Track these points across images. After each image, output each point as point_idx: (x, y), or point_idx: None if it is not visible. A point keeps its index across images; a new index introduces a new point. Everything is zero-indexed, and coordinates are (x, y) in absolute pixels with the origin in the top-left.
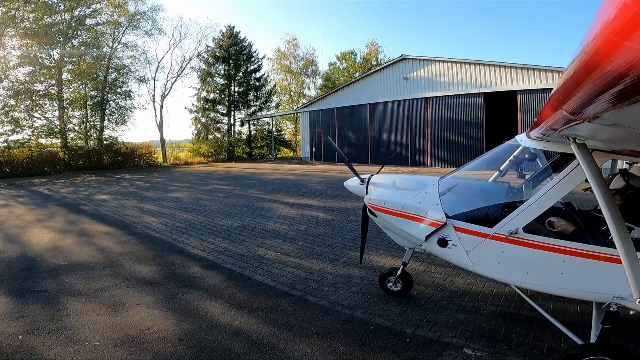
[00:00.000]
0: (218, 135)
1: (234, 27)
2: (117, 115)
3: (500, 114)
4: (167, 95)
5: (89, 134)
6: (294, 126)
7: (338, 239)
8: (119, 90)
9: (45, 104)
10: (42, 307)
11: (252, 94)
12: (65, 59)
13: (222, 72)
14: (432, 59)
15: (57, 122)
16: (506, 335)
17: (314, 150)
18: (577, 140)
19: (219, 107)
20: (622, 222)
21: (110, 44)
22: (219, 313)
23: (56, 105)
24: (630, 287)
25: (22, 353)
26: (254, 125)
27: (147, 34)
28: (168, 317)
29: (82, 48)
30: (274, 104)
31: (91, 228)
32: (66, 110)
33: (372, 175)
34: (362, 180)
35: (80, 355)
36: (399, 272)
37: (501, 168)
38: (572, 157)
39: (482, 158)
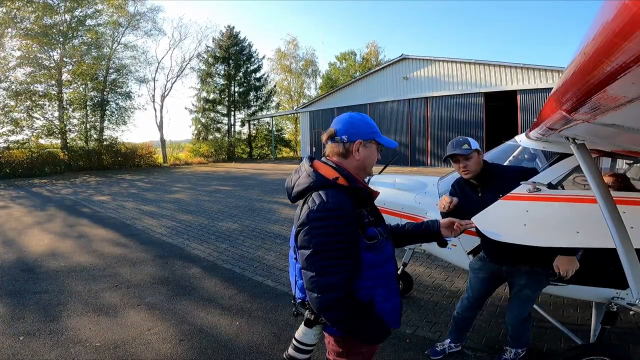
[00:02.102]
0: (218, 135)
1: (233, 27)
2: (117, 115)
3: (500, 113)
4: (166, 95)
5: (88, 134)
6: (294, 126)
7: None
8: (118, 90)
9: (45, 104)
10: (43, 308)
11: (252, 94)
12: (65, 59)
13: (222, 72)
14: (432, 58)
15: (56, 123)
16: (506, 335)
17: (314, 150)
18: (576, 141)
19: (219, 107)
20: (621, 223)
21: (110, 44)
22: (219, 313)
23: (56, 105)
24: (630, 287)
25: (23, 354)
26: (254, 125)
27: (147, 34)
28: (168, 317)
29: (83, 47)
30: (273, 103)
31: (91, 229)
32: (66, 111)
33: (372, 175)
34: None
35: (82, 356)
36: (399, 272)
37: None
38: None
39: None
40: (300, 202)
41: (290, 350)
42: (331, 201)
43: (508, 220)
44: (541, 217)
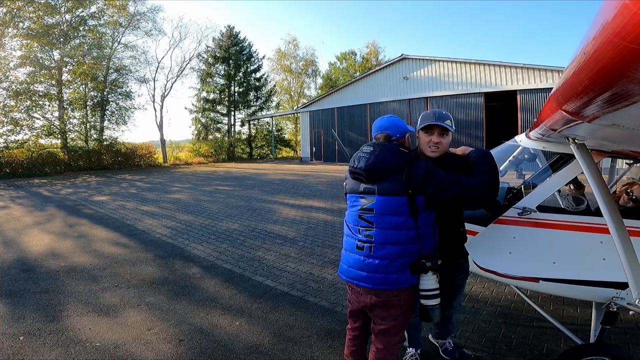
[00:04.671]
0: (218, 135)
1: (233, 27)
2: (117, 115)
3: (500, 113)
4: (166, 95)
5: (88, 134)
6: (294, 126)
7: (338, 239)
8: (118, 90)
9: (45, 104)
10: (43, 308)
11: (252, 94)
12: (65, 59)
13: (222, 72)
14: (432, 58)
15: (56, 123)
16: (505, 335)
17: (314, 150)
18: (576, 140)
19: (219, 107)
20: (621, 223)
21: (110, 44)
22: (219, 313)
23: (56, 105)
24: (630, 287)
25: (23, 354)
26: (254, 125)
27: (147, 34)
28: (168, 317)
29: (84, 47)
30: (273, 103)
31: (91, 229)
32: (66, 111)
33: None
34: None
35: (82, 356)
36: None
37: (500, 168)
38: (571, 157)
39: None
40: (395, 175)
41: (422, 301)
42: (427, 163)
43: (496, 247)
44: (525, 245)
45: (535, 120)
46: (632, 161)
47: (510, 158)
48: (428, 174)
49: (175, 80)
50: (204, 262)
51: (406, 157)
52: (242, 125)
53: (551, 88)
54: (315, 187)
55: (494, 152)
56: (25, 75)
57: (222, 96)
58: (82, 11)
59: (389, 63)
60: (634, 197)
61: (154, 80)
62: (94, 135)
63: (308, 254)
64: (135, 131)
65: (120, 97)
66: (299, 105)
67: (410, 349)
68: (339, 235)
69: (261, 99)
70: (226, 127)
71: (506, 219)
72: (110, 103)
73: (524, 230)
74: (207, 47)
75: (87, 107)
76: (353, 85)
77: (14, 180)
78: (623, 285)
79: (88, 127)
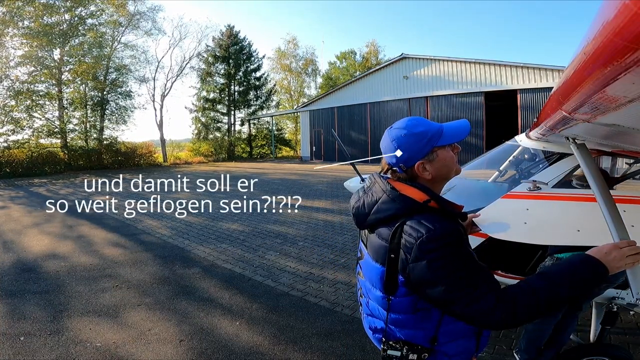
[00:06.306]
0: (218, 134)
1: (233, 27)
2: (117, 114)
3: (500, 112)
4: (166, 94)
5: (88, 133)
6: (294, 125)
7: (338, 239)
8: (118, 89)
9: (45, 104)
10: (43, 309)
11: (252, 93)
12: (65, 59)
13: (222, 71)
14: (432, 57)
15: (56, 122)
16: (506, 335)
17: (314, 150)
18: (576, 141)
19: (219, 107)
20: (621, 223)
21: (110, 44)
22: (219, 313)
23: (56, 105)
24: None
25: (24, 354)
26: (254, 124)
27: (147, 33)
28: (168, 317)
29: (85, 47)
30: (273, 103)
31: (91, 229)
32: (66, 110)
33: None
34: (363, 180)
35: (82, 356)
36: None
37: (500, 168)
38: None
39: (481, 158)
40: (383, 229)
41: None
42: (439, 226)
43: (508, 218)
44: (541, 216)
45: (535, 119)
46: (632, 161)
47: (510, 158)
48: (424, 253)
49: (175, 80)
50: (204, 262)
51: (404, 207)
52: (242, 124)
53: (551, 87)
54: (316, 186)
55: (493, 152)
56: (26, 75)
57: (222, 95)
58: (82, 10)
59: (389, 62)
60: None
61: (154, 80)
62: (94, 135)
63: (308, 253)
64: (135, 130)
65: (120, 96)
66: (299, 105)
67: None
68: (339, 234)
69: (261, 98)
70: (226, 126)
71: (515, 194)
72: (110, 102)
73: (537, 202)
74: (207, 46)
75: (87, 107)
76: (353, 85)
77: (14, 180)
78: (624, 285)
79: (88, 126)
